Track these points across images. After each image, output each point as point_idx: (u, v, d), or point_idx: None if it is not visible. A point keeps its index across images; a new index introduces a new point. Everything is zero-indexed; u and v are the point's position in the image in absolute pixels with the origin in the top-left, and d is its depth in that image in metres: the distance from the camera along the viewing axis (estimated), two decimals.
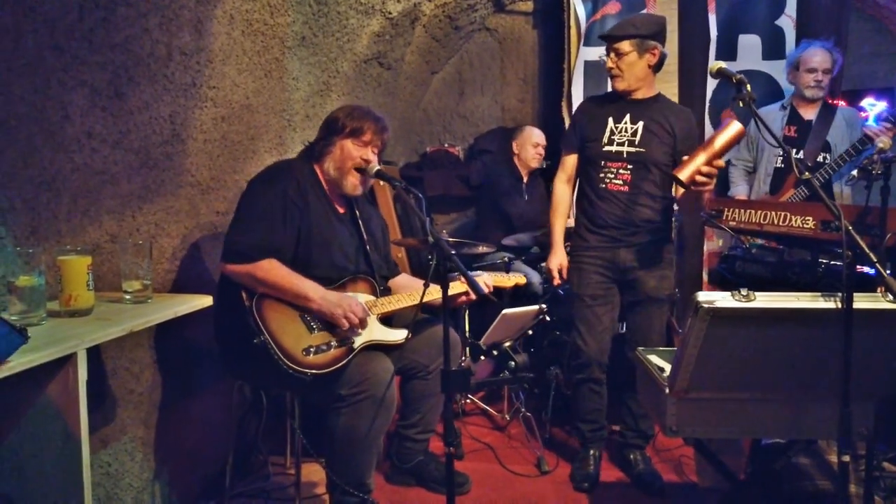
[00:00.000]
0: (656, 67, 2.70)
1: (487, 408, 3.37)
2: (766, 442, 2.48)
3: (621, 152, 2.69)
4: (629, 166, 2.68)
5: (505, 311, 2.39)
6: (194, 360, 2.63)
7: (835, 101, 3.53)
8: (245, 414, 2.80)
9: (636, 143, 2.68)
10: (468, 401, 3.35)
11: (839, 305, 1.64)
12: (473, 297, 2.49)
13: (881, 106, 4.18)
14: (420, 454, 2.70)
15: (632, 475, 2.78)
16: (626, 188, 2.69)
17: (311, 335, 2.18)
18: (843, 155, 3.15)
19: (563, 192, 2.86)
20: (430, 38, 4.21)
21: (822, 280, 2.43)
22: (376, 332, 2.34)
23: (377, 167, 2.39)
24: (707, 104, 3.94)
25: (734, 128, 2.26)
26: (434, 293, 2.42)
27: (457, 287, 2.49)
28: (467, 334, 3.37)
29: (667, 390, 1.86)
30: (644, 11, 4.00)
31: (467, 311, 3.37)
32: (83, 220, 2.07)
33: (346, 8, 3.29)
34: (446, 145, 4.77)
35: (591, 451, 2.81)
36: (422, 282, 2.70)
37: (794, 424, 1.85)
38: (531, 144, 4.06)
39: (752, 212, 2.52)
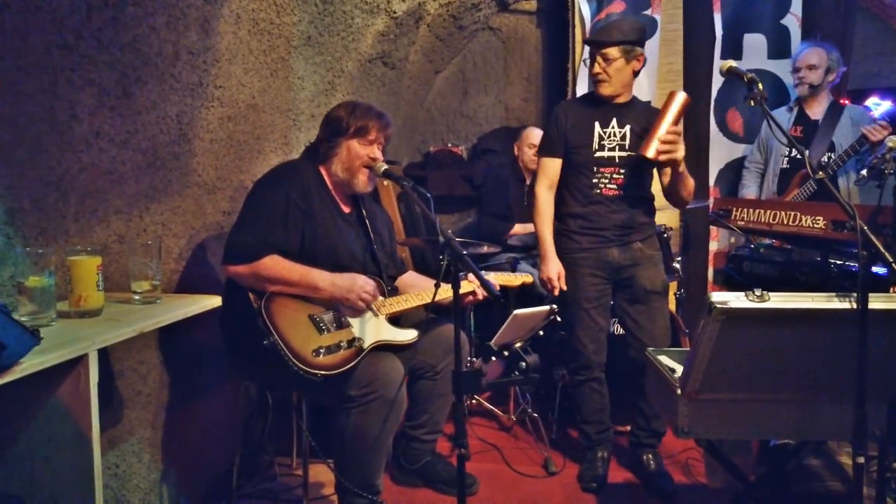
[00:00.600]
0: (638, 73, 2.72)
1: (493, 409, 3.36)
2: (774, 443, 2.48)
3: (613, 157, 2.69)
4: (622, 171, 2.68)
5: (516, 311, 2.38)
6: (200, 361, 2.62)
7: (842, 101, 3.53)
8: (251, 415, 2.79)
9: (626, 146, 2.68)
10: (474, 401, 3.34)
11: (854, 305, 1.63)
12: (480, 297, 2.49)
13: (886, 105, 4.18)
14: (427, 455, 2.69)
15: (643, 476, 2.75)
16: (619, 192, 2.69)
17: (320, 336, 2.17)
18: (842, 155, 3.16)
19: (548, 198, 2.78)
20: (434, 38, 4.20)
21: (831, 280, 2.42)
22: (385, 332, 2.33)
23: (384, 166, 2.38)
24: (712, 103, 3.93)
25: (679, 96, 2.36)
26: (440, 293, 2.41)
27: (464, 286, 2.48)
28: (472, 334, 3.37)
29: (678, 391, 1.85)
30: (647, 11, 4.00)
31: (472, 312, 3.36)
32: (91, 220, 2.06)
33: (352, 7, 3.28)
34: (450, 145, 4.76)
35: (600, 453, 2.80)
36: (428, 280, 2.70)
37: (806, 425, 1.84)
38: (528, 145, 4.05)
39: (762, 211, 2.52)
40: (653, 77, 3.97)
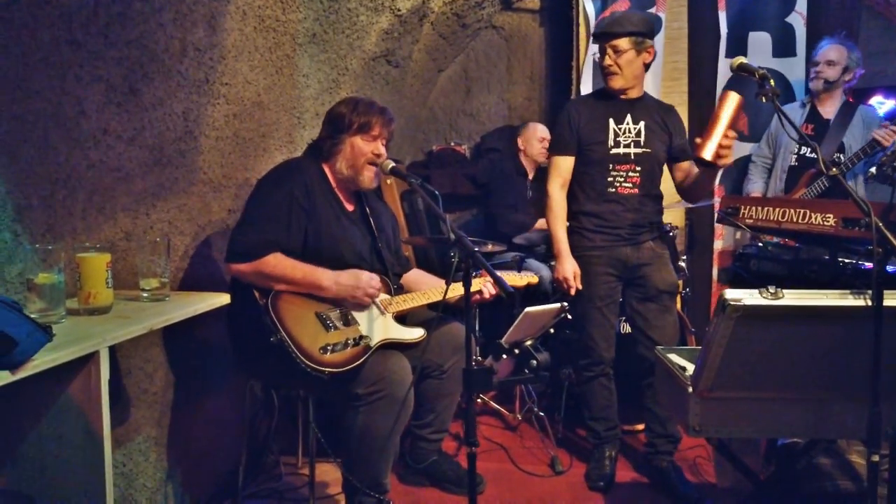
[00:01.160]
0: (648, 66, 2.70)
1: (499, 408, 3.35)
2: (781, 441, 2.46)
3: (629, 154, 2.67)
4: (638, 168, 2.67)
5: (527, 309, 2.37)
6: (206, 360, 2.61)
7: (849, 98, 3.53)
8: (256, 414, 2.78)
9: (641, 143, 2.66)
10: (479, 400, 3.33)
11: (868, 303, 1.62)
12: (487, 295, 2.48)
13: (890, 104, 4.17)
14: (434, 454, 2.68)
15: (664, 485, 2.67)
16: (636, 191, 2.68)
17: (327, 333, 2.16)
18: (852, 157, 3.15)
19: (561, 197, 2.76)
20: (437, 36, 4.19)
21: (840, 278, 2.41)
22: (393, 330, 2.32)
23: (391, 164, 2.36)
24: (717, 102, 3.91)
25: (734, 98, 2.28)
26: (441, 293, 2.41)
27: (473, 285, 2.46)
28: (478, 333, 3.35)
29: (690, 389, 1.84)
30: (652, 10, 4.00)
31: (478, 310, 3.35)
32: (98, 217, 2.04)
33: (357, 5, 3.27)
34: (453, 144, 4.75)
35: (607, 452, 2.79)
36: (434, 277, 2.69)
37: (819, 424, 1.83)
38: (537, 139, 4.05)
39: (770, 209, 2.50)
40: (657, 75, 3.96)
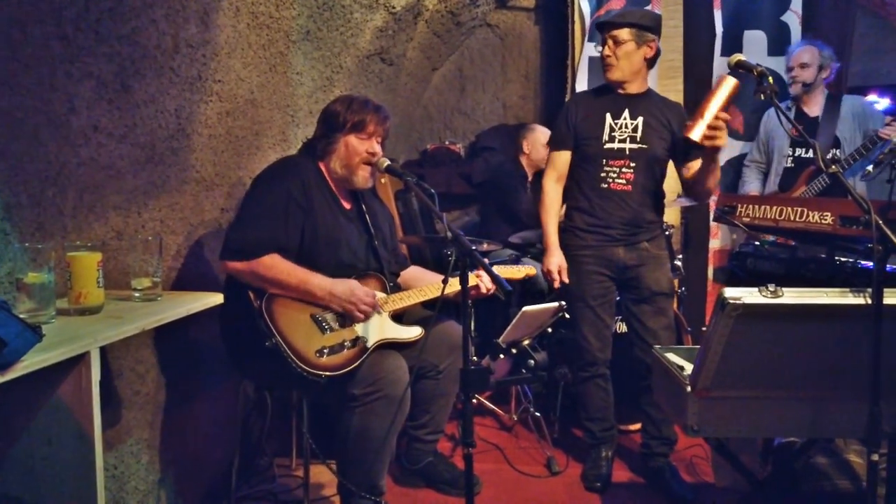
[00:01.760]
0: (651, 62, 2.67)
1: (495, 408, 3.33)
2: (778, 441, 2.46)
3: (623, 149, 2.64)
4: (632, 164, 2.64)
5: (525, 308, 2.35)
6: (198, 361, 2.58)
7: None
8: (249, 415, 2.75)
9: (637, 139, 2.63)
10: (475, 401, 3.31)
11: (868, 301, 1.61)
12: (484, 290, 2.46)
13: (885, 102, 4.17)
14: (429, 455, 2.66)
15: (660, 486, 2.67)
16: (629, 187, 2.65)
17: (323, 336, 2.13)
18: (853, 154, 3.14)
19: (555, 191, 2.77)
20: (431, 34, 4.17)
21: (837, 277, 2.41)
22: (389, 330, 2.30)
23: (387, 162, 2.34)
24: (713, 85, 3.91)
25: (730, 81, 2.24)
26: (438, 291, 2.39)
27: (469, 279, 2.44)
28: (473, 332, 3.33)
29: (688, 389, 1.82)
30: (648, 7, 3.99)
31: (474, 310, 3.33)
32: (89, 215, 2.01)
33: (351, 2, 3.24)
34: (447, 142, 4.72)
35: (603, 452, 2.77)
36: (432, 273, 2.67)
37: (818, 423, 1.82)
38: (542, 144, 4.01)
39: (767, 208, 2.49)
40: (653, 74, 3.94)
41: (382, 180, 4.03)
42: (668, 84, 3.97)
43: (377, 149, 2.35)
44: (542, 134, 4.05)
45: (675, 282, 3.50)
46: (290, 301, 2.15)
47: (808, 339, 1.71)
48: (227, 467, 2.46)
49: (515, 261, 3.50)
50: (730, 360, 1.73)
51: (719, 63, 3.88)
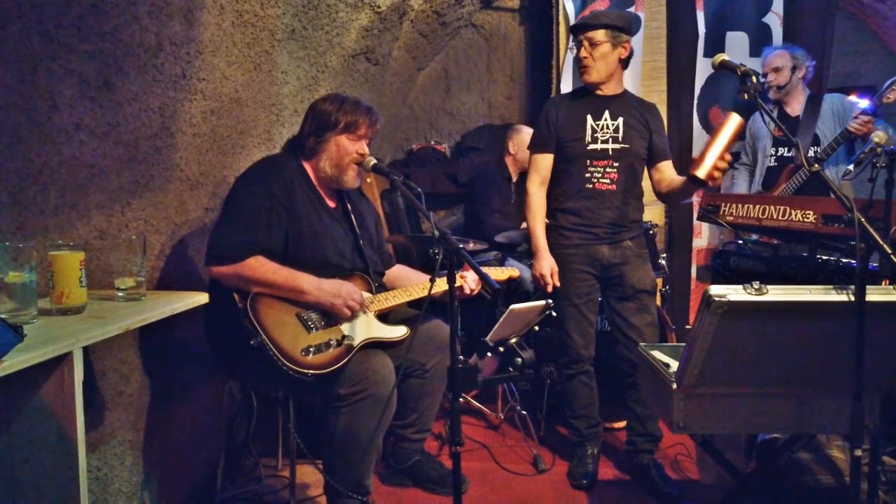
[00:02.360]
0: (625, 63, 2.70)
1: (481, 407, 3.33)
2: (762, 437, 2.48)
3: (606, 150, 2.67)
4: (616, 164, 2.67)
5: (513, 306, 2.35)
6: (183, 361, 2.55)
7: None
8: (234, 415, 2.73)
9: (619, 139, 2.67)
10: (461, 400, 3.31)
11: (852, 298, 1.63)
12: (468, 291, 2.46)
13: (864, 103, 4.21)
14: (416, 454, 2.66)
15: (645, 483, 2.67)
16: (613, 187, 2.68)
17: (308, 335, 2.12)
18: (826, 148, 3.19)
19: (540, 194, 2.78)
20: (417, 34, 4.17)
21: (819, 275, 2.44)
22: (375, 329, 2.29)
23: (373, 160, 2.33)
24: (695, 101, 3.94)
25: (735, 120, 2.27)
26: (423, 290, 2.39)
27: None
28: (460, 332, 3.33)
29: (674, 386, 1.84)
30: (631, 9, 4.01)
31: (460, 309, 3.33)
32: (71, 214, 1.99)
33: (336, 1, 3.23)
34: (433, 143, 4.72)
35: (589, 450, 2.78)
36: (417, 272, 2.66)
37: (803, 419, 1.84)
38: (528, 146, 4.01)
39: (750, 206, 2.52)
40: (636, 75, 3.98)
41: (368, 180, 4.02)
42: (652, 84, 4.00)
43: (366, 150, 2.35)
44: (527, 135, 4.04)
45: (660, 281, 3.52)
46: (275, 300, 2.14)
47: (792, 336, 1.72)
48: (213, 468, 2.44)
49: (501, 261, 3.51)
50: (715, 357, 1.74)
51: (702, 64, 3.91)
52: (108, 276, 2.05)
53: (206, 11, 2.40)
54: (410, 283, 2.49)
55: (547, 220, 2.80)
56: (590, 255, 2.70)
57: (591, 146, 2.68)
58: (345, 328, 2.21)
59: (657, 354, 2.06)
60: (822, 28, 3.77)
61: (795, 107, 3.48)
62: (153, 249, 2.35)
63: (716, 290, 1.66)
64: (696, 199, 3.70)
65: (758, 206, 2.46)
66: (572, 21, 4.03)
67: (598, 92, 2.71)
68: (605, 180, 2.68)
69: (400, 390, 2.49)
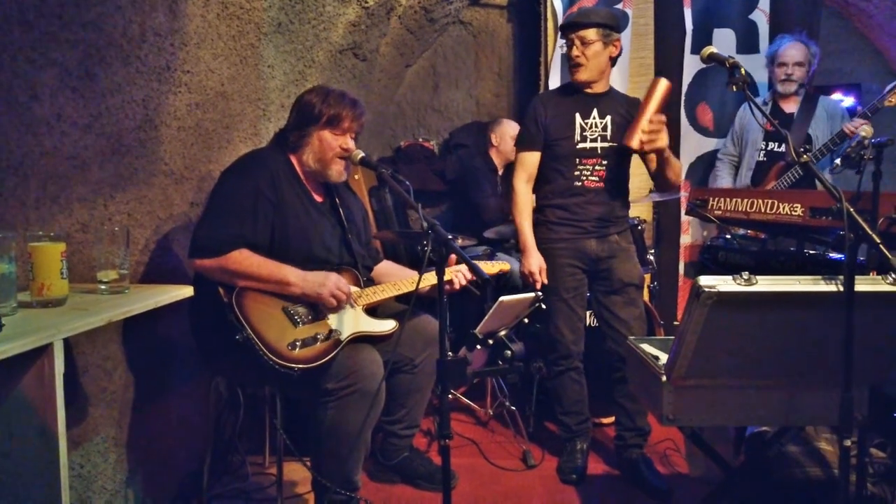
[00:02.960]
0: (614, 61, 2.71)
1: (470, 403, 3.32)
2: (751, 430, 2.48)
3: (595, 148, 2.68)
4: (604, 162, 2.68)
5: (502, 298, 2.33)
6: (168, 357, 2.52)
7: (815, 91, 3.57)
8: (221, 412, 2.69)
9: (608, 137, 2.67)
10: (450, 395, 3.29)
11: (840, 288, 1.63)
12: (458, 286, 2.44)
13: (849, 101, 4.25)
14: (405, 450, 2.64)
15: (634, 478, 2.67)
16: (602, 184, 2.69)
17: (295, 329, 2.10)
18: (821, 148, 3.19)
19: (526, 192, 2.77)
20: (404, 30, 4.15)
21: (806, 268, 2.44)
22: (363, 323, 2.27)
23: (361, 154, 2.31)
24: (682, 97, 3.95)
25: (661, 83, 2.33)
26: (412, 284, 2.37)
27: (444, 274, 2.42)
28: (448, 327, 3.31)
29: (663, 378, 1.83)
30: (619, 6, 4.02)
31: (448, 304, 3.31)
32: (53, 207, 1.95)
33: None
34: (420, 139, 4.71)
35: (579, 445, 2.78)
36: (404, 268, 2.64)
37: (791, 411, 1.84)
38: (510, 136, 4.02)
39: (738, 200, 2.52)
40: (624, 72, 3.98)
41: (356, 176, 3.99)
42: (640, 81, 4.00)
43: (351, 144, 2.32)
44: (509, 126, 4.06)
45: (648, 276, 3.52)
46: (260, 295, 2.11)
47: (781, 327, 1.72)
48: (199, 465, 2.41)
49: (490, 256, 3.50)
50: (704, 349, 1.74)
51: (690, 60, 3.92)
52: (90, 270, 2.02)
53: (191, 2, 2.37)
54: (398, 279, 2.47)
55: (535, 215, 2.79)
56: (577, 249, 2.70)
57: (581, 145, 2.68)
58: (332, 322, 2.19)
59: (646, 347, 2.05)
60: (808, 25, 3.78)
61: (791, 104, 3.48)
62: (137, 244, 2.32)
63: (705, 280, 1.66)
64: (683, 195, 3.70)
65: (746, 200, 2.46)
66: (560, 18, 4.03)
67: (588, 90, 2.71)
68: (593, 178, 2.68)
69: (389, 386, 2.48)
